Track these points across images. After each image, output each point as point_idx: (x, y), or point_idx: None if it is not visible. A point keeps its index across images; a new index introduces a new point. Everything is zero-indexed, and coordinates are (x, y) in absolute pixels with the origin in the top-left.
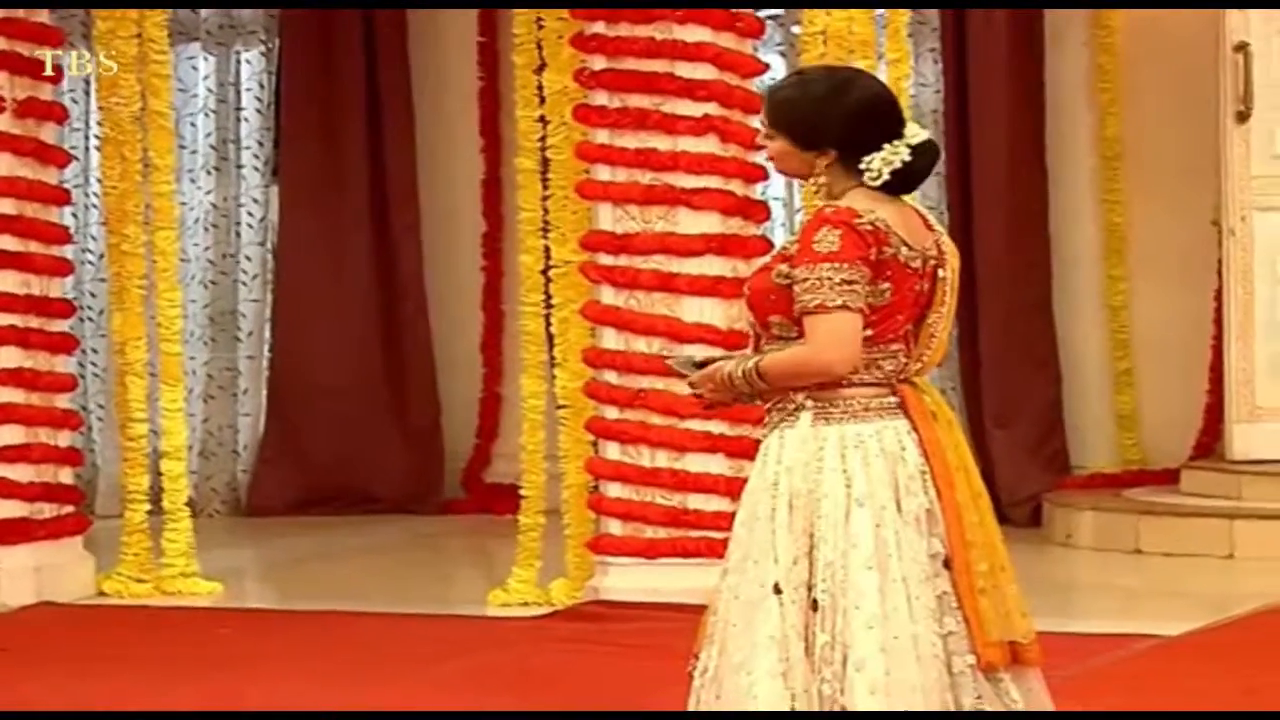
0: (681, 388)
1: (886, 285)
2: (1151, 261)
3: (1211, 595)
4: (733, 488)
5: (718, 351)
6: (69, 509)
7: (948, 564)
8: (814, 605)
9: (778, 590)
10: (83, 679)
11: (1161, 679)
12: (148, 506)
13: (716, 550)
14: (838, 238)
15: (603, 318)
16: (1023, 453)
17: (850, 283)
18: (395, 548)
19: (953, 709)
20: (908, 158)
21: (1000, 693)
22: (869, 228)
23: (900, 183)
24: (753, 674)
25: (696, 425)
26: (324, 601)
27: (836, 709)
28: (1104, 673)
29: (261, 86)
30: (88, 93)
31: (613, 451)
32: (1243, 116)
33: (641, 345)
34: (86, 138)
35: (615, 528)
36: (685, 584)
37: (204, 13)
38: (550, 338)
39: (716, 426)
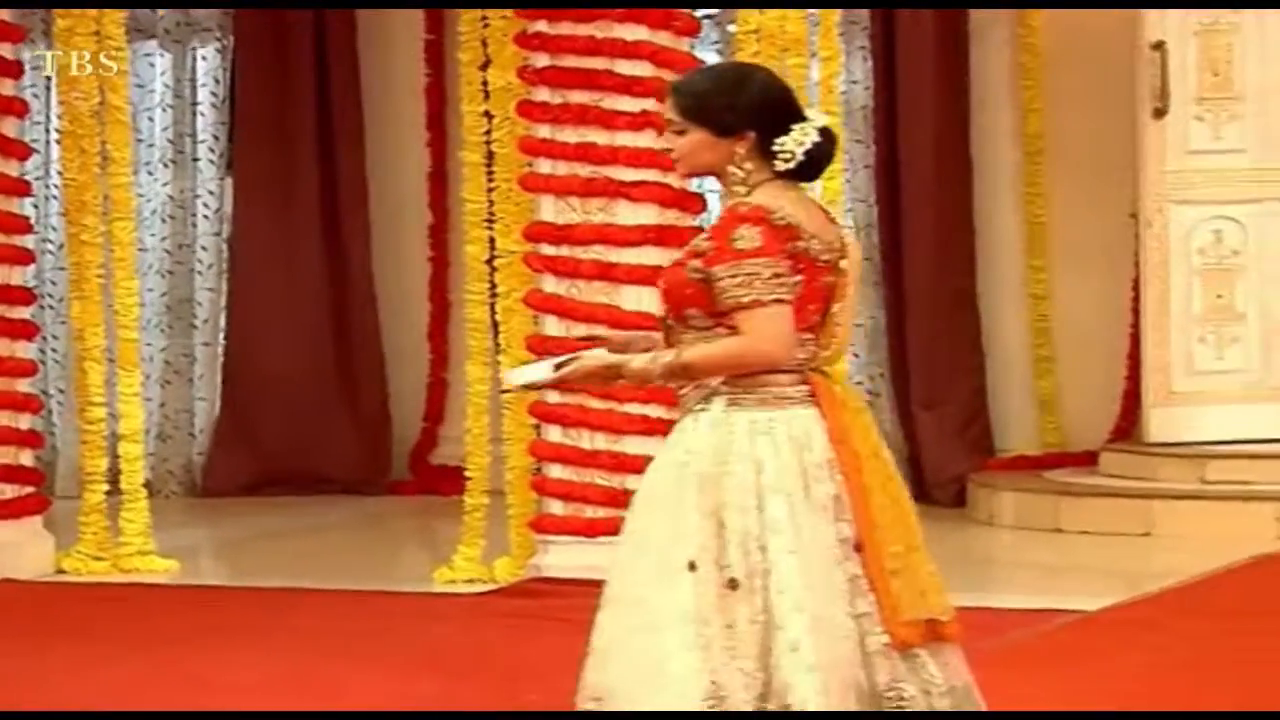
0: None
1: (799, 278)
2: (1072, 253)
3: (1129, 572)
4: None
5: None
6: (29, 489)
7: (858, 547)
8: (731, 584)
9: (692, 568)
10: (41, 653)
11: (1080, 652)
12: (106, 487)
13: None
14: (758, 234)
15: (545, 306)
16: (948, 436)
17: (778, 276)
18: (345, 527)
19: (865, 688)
20: (817, 138)
21: (917, 668)
22: (783, 223)
23: (810, 167)
24: (664, 646)
25: (634, 409)
26: (276, 578)
27: (757, 686)
28: (1025, 646)
29: (217, 82)
30: (48, 88)
31: (554, 434)
32: (1159, 113)
33: (582, 332)
34: (47, 131)
35: (556, 508)
36: None
37: (161, 11)
38: (494, 325)
39: (654, 410)
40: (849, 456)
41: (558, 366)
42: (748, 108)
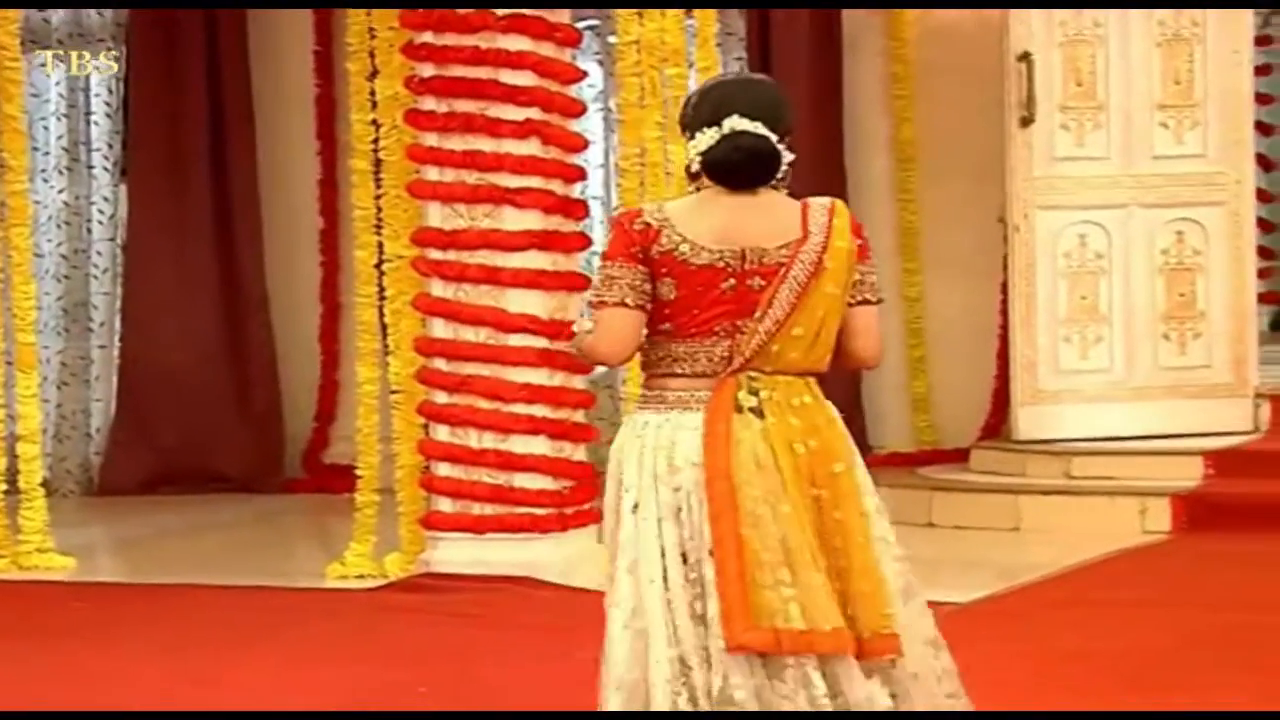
0: (507, 375)
1: (669, 280)
2: (943, 256)
3: (999, 564)
4: (555, 467)
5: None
6: None
7: (713, 551)
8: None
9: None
10: None
11: (953, 642)
12: (4, 487)
13: (540, 525)
14: (610, 238)
15: (433, 309)
16: None
17: (613, 279)
18: (239, 524)
19: (701, 688)
20: (713, 141)
21: (791, 676)
22: (640, 226)
23: (718, 172)
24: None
25: (520, 409)
26: (172, 575)
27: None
28: None
29: (110, 92)
30: None
31: (442, 434)
32: (1025, 122)
33: (469, 334)
34: None
35: (445, 505)
36: (510, 557)
37: (55, 21)
38: (384, 327)
39: (539, 410)
40: (714, 461)
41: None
42: (685, 111)
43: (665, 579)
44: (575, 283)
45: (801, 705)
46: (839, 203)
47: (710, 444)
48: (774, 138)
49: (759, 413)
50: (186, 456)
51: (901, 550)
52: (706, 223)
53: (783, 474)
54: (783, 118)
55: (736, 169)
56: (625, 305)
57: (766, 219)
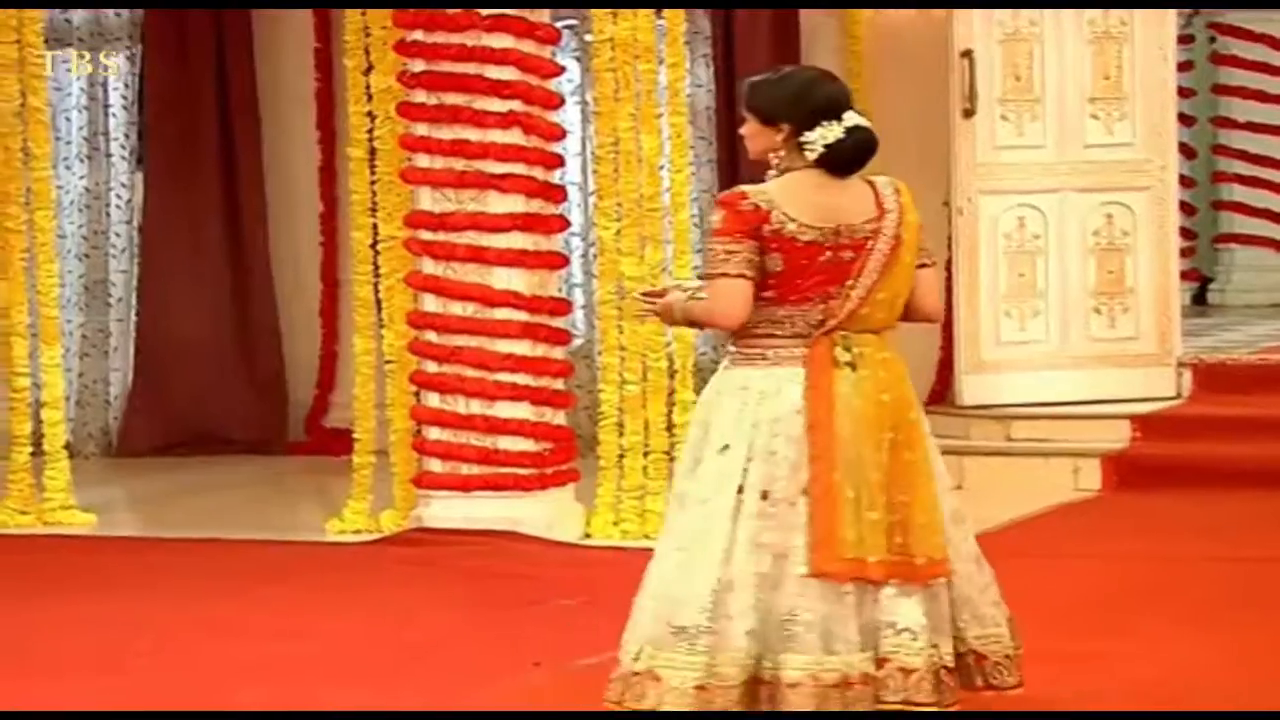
0: (492, 346)
1: (776, 255)
2: None
3: None
4: (537, 430)
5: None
6: None
7: (807, 491)
8: (764, 495)
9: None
10: None
11: None
12: (30, 449)
13: (523, 484)
14: (721, 218)
15: (424, 285)
16: None
17: (732, 253)
18: (247, 484)
19: (768, 609)
20: (840, 135)
21: (866, 603)
22: (750, 207)
23: (836, 160)
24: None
25: (504, 377)
26: (186, 530)
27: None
28: None
29: (127, 86)
30: None
31: (433, 400)
32: (968, 113)
33: (457, 309)
34: None
35: (436, 465)
36: (495, 513)
37: (76, 21)
38: (379, 303)
39: (522, 378)
40: (817, 408)
41: (644, 294)
42: (784, 101)
43: (737, 511)
44: (555, 261)
45: (851, 632)
46: (901, 182)
47: (814, 395)
48: None
49: (854, 366)
50: (198, 421)
51: (951, 481)
52: (808, 204)
53: (869, 420)
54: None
55: (855, 159)
56: (745, 277)
57: (852, 198)
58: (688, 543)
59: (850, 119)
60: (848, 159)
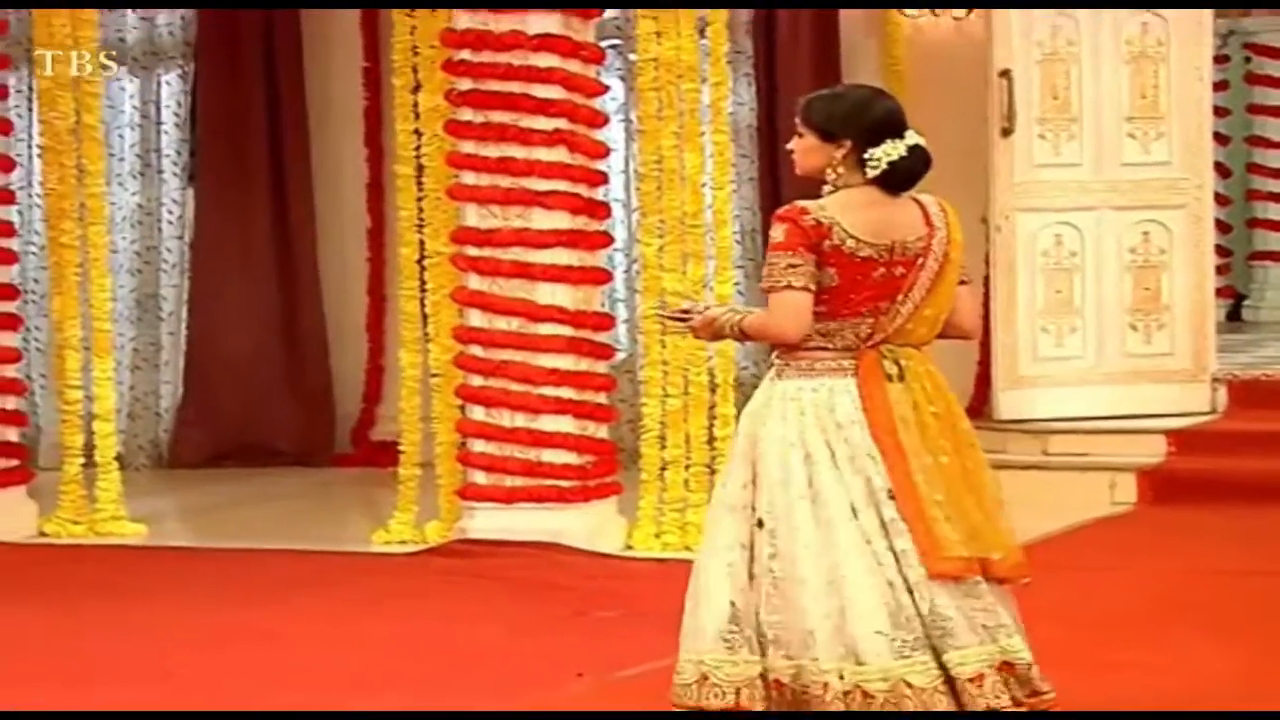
0: (536, 360)
1: (832, 270)
2: None
3: None
4: (580, 444)
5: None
6: (14, 463)
7: (893, 495)
8: (759, 523)
9: (732, 510)
10: (28, 607)
11: None
12: (82, 460)
13: (566, 497)
14: (783, 232)
15: (469, 300)
16: None
17: (794, 266)
18: (295, 495)
19: (911, 611)
20: (904, 153)
21: (973, 596)
22: (811, 223)
23: (896, 177)
24: (708, 569)
25: (548, 391)
26: (235, 540)
27: (772, 608)
28: None
29: (179, 104)
30: (30, 108)
31: (478, 413)
32: (1006, 132)
33: (502, 324)
34: (29, 147)
35: (480, 478)
36: (539, 525)
37: (130, 40)
38: (425, 317)
39: (566, 392)
40: (879, 419)
41: (685, 312)
42: (845, 118)
43: (855, 516)
44: (599, 277)
45: (960, 625)
46: (945, 201)
47: (871, 405)
48: None
49: (900, 378)
50: (247, 433)
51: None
52: (866, 220)
53: (926, 430)
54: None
55: (912, 177)
56: (808, 290)
57: (905, 215)
58: (726, 553)
59: (912, 137)
60: (905, 176)
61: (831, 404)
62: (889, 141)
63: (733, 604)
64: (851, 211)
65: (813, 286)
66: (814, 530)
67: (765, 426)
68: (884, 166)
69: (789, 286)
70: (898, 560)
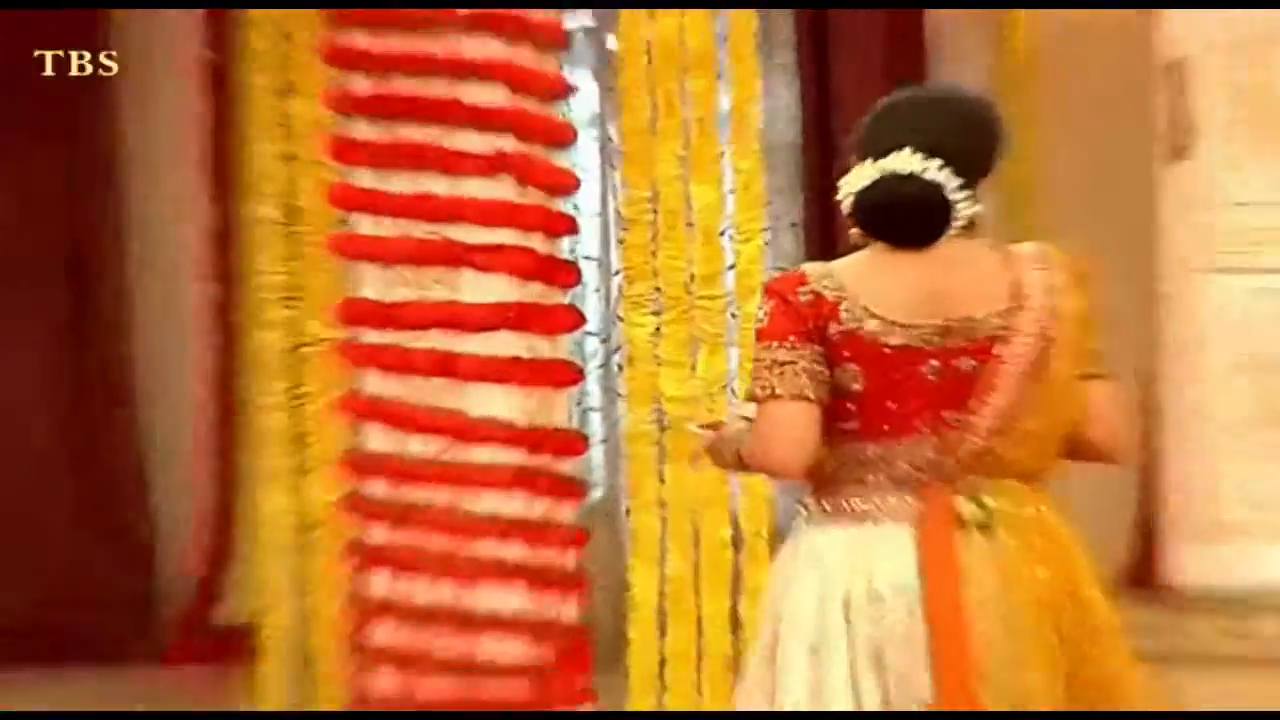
0: (470, 503)
1: (853, 367)
2: None
3: None
4: (536, 631)
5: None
6: None
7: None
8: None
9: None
10: None
11: None
12: None
13: (515, 709)
14: (766, 312)
15: (367, 411)
16: None
17: (783, 364)
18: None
19: None
20: (866, 183)
21: None
22: (809, 298)
23: (868, 222)
24: None
25: (488, 549)
26: None
27: None
28: None
29: None
30: None
31: (380, 585)
32: (1180, 152)
33: (417, 447)
34: None
35: (385, 683)
36: None
37: None
38: (298, 437)
39: (513, 550)
40: (939, 588)
41: (703, 425)
42: (861, 128)
43: None
44: (562, 375)
45: None
46: (1053, 248)
47: (932, 570)
48: (953, 182)
49: (987, 528)
50: (17, 619)
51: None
52: (895, 290)
53: (1023, 611)
54: (974, 151)
55: (891, 223)
56: (806, 399)
57: (969, 279)
58: None
59: (900, 159)
60: (881, 222)
61: (869, 566)
62: (866, 163)
63: None
64: (874, 278)
65: (813, 394)
66: None
67: (782, 601)
68: (848, 207)
69: (772, 395)
70: None
